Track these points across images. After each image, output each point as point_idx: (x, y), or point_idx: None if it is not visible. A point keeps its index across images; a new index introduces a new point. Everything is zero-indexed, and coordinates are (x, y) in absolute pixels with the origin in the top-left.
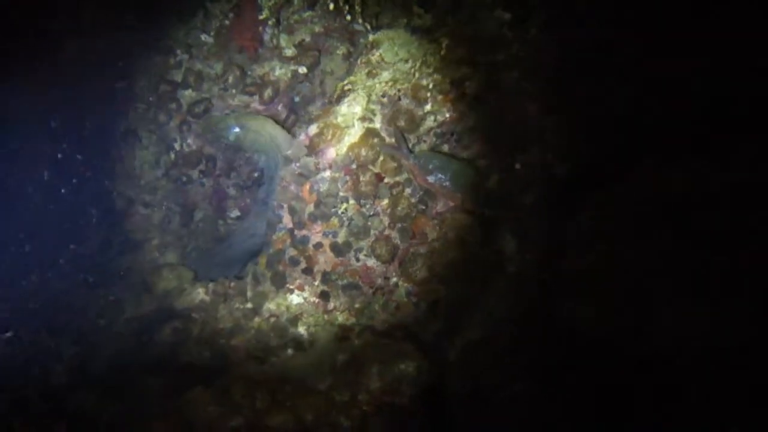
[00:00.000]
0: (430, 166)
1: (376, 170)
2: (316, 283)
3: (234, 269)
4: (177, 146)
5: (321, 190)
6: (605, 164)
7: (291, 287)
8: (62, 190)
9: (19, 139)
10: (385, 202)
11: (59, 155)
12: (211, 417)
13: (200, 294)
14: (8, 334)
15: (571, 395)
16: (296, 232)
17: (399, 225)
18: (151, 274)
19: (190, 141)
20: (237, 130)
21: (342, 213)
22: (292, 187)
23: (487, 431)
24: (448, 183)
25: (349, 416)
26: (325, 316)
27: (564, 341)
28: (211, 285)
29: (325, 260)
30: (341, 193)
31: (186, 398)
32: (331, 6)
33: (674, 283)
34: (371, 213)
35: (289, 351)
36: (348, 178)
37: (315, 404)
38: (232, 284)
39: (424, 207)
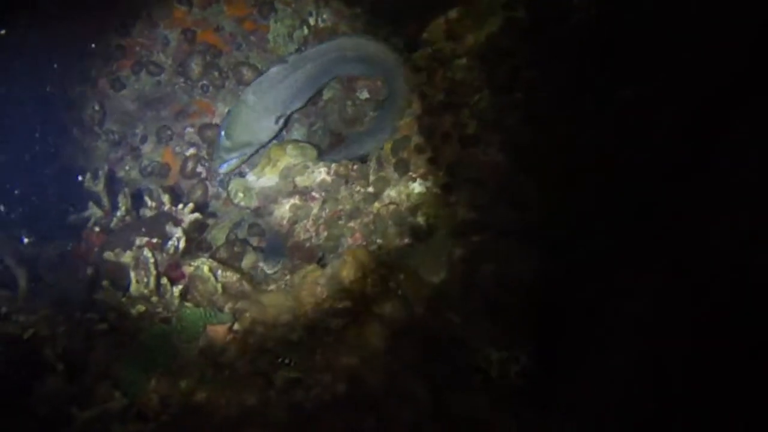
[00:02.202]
0: None
1: (515, 62)
2: (440, 174)
3: (359, 151)
4: (311, 21)
5: (455, 78)
6: None
7: (414, 176)
8: None
9: None
10: (519, 95)
11: None
12: (319, 297)
13: (322, 173)
14: None
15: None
16: (424, 118)
17: None
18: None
19: (325, 16)
20: None
21: (474, 104)
22: (424, 73)
23: (598, 348)
24: None
25: (460, 313)
26: (446, 209)
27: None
28: (333, 165)
29: (451, 152)
30: (476, 83)
31: (298, 275)
32: None
33: None
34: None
35: (406, 240)
36: (484, 67)
37: (426, 297)
38: (355, 167)
39: None
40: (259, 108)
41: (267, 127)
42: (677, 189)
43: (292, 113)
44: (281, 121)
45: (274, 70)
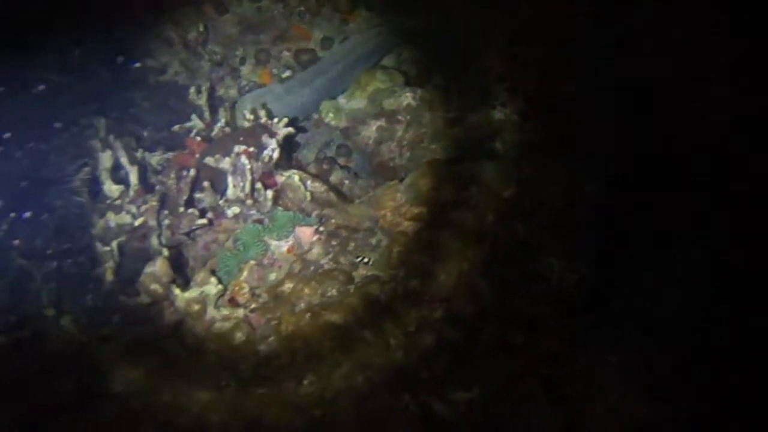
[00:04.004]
0: None
1: None
2: (519, 102)
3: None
4: None
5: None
6: None
7: (495, 103)
8: None
9: None
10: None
11: None
12: (397, 203)
13: (408, 98)
14: None
15: None
16: (507, 49)
17: None
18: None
19: None
20: None
21: (555, 39)
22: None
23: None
24: None
25: (528, 225)
26: (522, 135)
27: None
28: (419, 91)
29: (531, 82)
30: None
31: (381, 189)
32: None
33: None
34: None
35: (482, 160)
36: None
37: (497, 208)
38: (439, 93)
39: None
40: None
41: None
42: None
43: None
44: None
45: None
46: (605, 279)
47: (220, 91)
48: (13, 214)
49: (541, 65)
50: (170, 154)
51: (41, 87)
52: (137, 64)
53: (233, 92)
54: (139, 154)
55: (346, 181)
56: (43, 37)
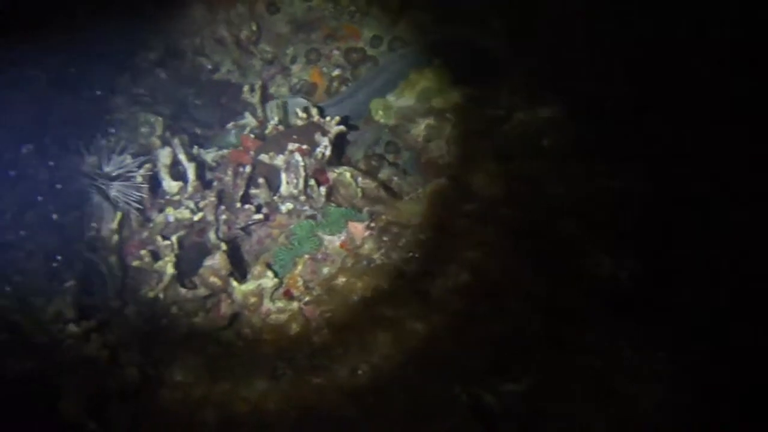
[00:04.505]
0: None
1: None
2: (567, 102)
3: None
4: None
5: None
6: None
7: (542, 101)
8: None
9: None
10: None
11: None
12: (450, 201)
13: (456, 96)
14: None
15: None
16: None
17: None
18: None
19: None
20: None
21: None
22: None
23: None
24: None
25: (576, 222)
26: (570, 134)
27: None
28: (467, 89)
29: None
30: None
31: (430, 186)
32: None
33: None
34: None
35: (531, 158)
36: None
37: (546, 205)
38: (486, 92)
39: None
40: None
41: None
42: None
43: None
44: None
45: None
46: (654, 275)
47: (272, 89)
48: (77, 212)
49: (589, 65)
50: (225, 151)
51: (98, 93)
52: None
53: (284, 90)
54: (194, 150)
55: (395, 178)
56: (97, 39)
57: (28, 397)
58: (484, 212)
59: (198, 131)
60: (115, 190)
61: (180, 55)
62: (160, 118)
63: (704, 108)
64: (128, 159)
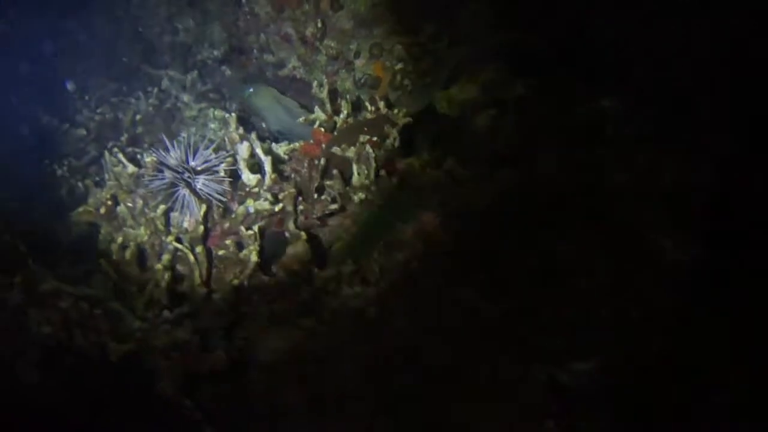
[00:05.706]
0: None
1: None
2: (629, 92)
3: None
4: None
5: None
6: None
7: (605, 92)
8: None
9: None
10: None
11: None
12: (516, 190)
13: (519, 87)
14: None
15: None
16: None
17: None
18: None
19: None
20: None
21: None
22: None
23: None
24: None
25: (641, 209)
26: (632, 123)
27: None
28: (530, 80)
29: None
30: None
31: (496, 175)
32: None
33: None
34: None
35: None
36: None
37: (610, 191)
38: (548, 83)
39: None
40: None
41: None
42: None
43: None
44: None
45: None
46: (719, 261)
47: (337, 84)
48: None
49: (650, 55)
50: (296, 144)
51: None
52: None
53: (348, 84)
54: (266, 144)
55: (461, 168)
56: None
57: (128, 377)
58: (551, 200)
59: (264, 126)
60: (200, 183)
61: (245, 52)
62: (233, 114)
63: None
64: (212, 153)
